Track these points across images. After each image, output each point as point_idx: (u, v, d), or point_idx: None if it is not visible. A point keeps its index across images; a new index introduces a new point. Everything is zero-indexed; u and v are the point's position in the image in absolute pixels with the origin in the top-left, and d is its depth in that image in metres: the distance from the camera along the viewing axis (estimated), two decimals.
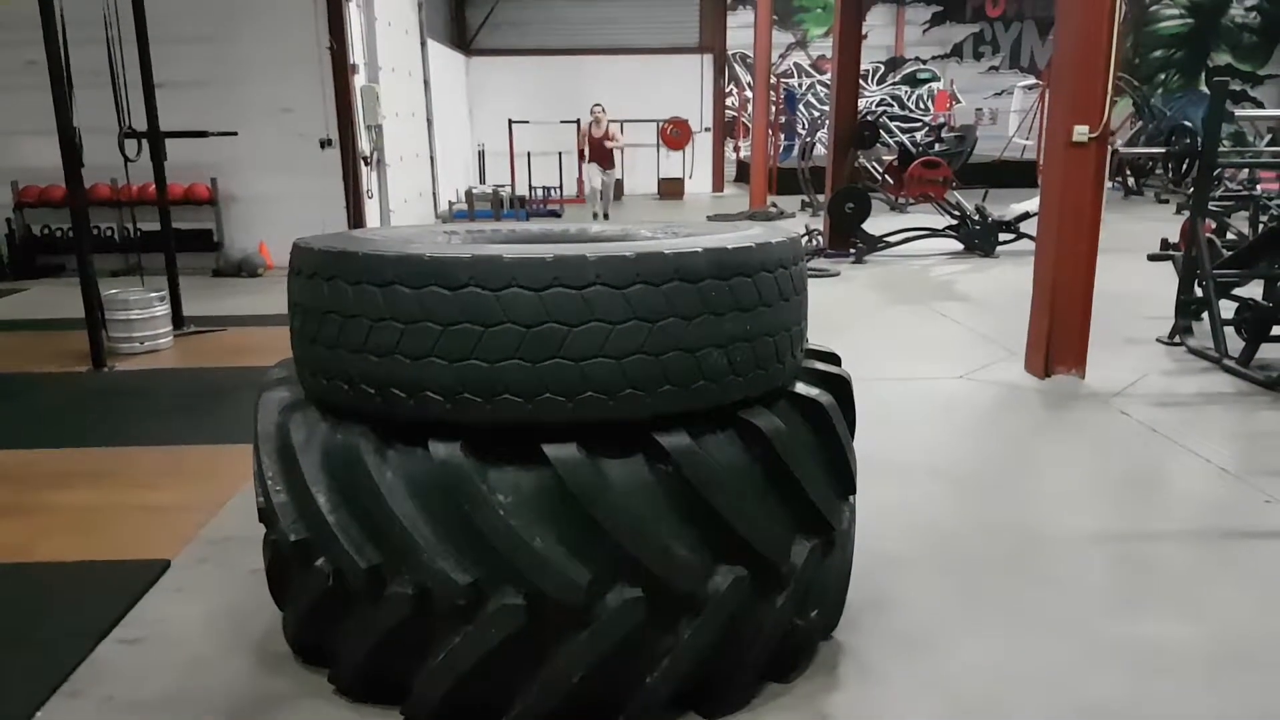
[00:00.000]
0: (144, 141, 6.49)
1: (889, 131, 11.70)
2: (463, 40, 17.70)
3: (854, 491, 2.43)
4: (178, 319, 6.61)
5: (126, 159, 6.13)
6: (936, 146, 12.07)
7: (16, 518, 3.44)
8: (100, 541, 3.23)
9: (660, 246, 2.04)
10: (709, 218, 14.26)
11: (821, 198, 14.23)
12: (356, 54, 9.72)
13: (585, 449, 1.96)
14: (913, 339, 6.32)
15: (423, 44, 13.34)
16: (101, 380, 5.40)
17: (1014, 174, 17.41)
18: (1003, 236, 10.15)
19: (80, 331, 5.65)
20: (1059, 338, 5.12)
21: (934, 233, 10.15)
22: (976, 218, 10.18)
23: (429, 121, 13.62)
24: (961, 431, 4.42)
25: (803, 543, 2.19)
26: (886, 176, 11.24)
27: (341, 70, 9.33)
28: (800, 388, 2.28)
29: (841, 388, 2.42)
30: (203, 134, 6.85)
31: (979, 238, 10.11)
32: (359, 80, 9.76)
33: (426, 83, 13.47)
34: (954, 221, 10.34)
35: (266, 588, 2.45)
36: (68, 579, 2.96)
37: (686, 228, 2.83)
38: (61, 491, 3.68)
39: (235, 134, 7.28)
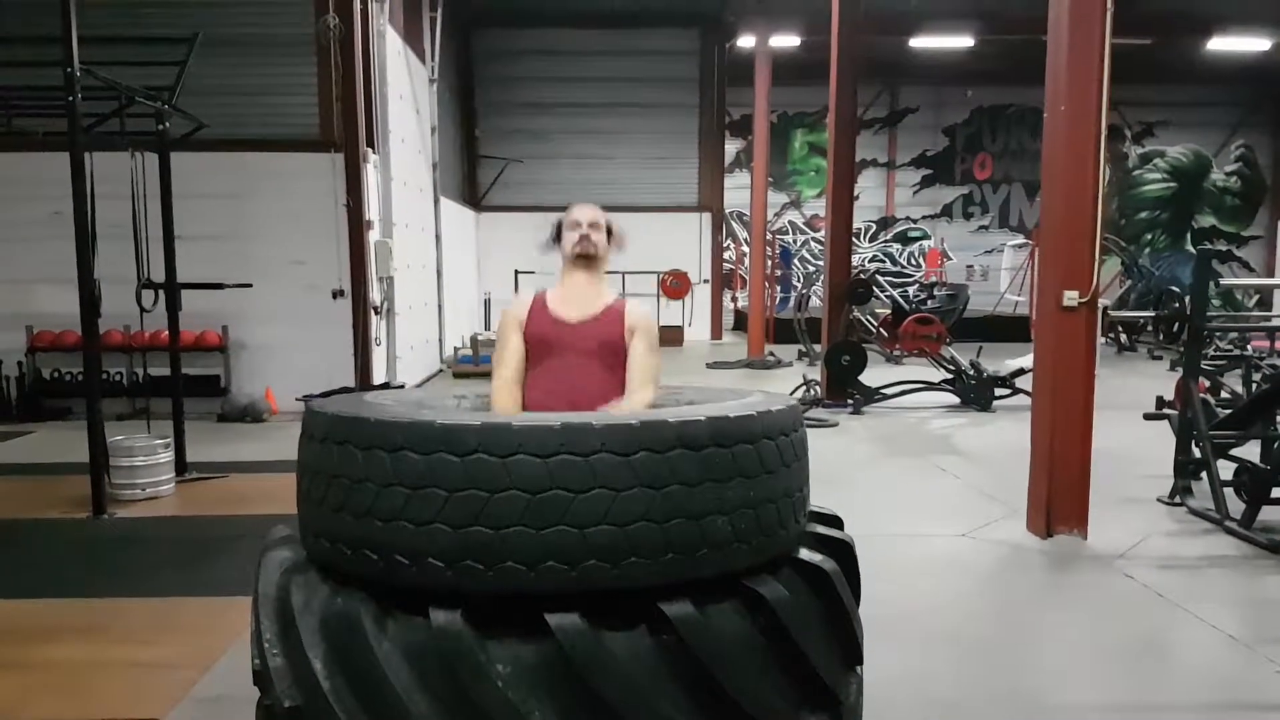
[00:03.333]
0: (161, 292, 6.69)
1: (881, 287, 12.04)
2: (474, 197, 18.51)
3: (860, 662, 2.40)
4: (181, 465, 6.63)
5: (143, 309, 6.30)
6: (929, 303, 12.38)
7: (4, 675, 3.36)
8: (88, 702, 3.15)
9: (664, 415, 2.10)
10: (708, 365, 14.49)
11: (818, 348, 14.51)
12: (372, 211, 10.14)
13: (587, 618, 1.95)
14: (913, 494, 6.31)
15: (436, 201, 13.93)
16: (101, 528, 5.37)
17: (1006, 329, 17.76)
18: (999, 391, 10.28)
19: (83, 476, 5.65)
20: (1059, 498, 5.12)
21: (930, 386, 10.29)
22: (972, 373, 10.34)
23: (438, 273, 14.04)
24: (965, 593, 4.36)
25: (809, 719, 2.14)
26: (881, 330, 11.47)
27: (357, 226, 9.71)
28: (804, 554, 2.29)
29: (845, 553, 2.43)
30: (219, 286, 7.09)
31: (975, 392, 10.24)
32: (373, 235, 10.14)
33: (438, 237, 13.97)
34: (949, 375, 10.50)
35: None
36: None
37: (688, 393, 2.91)
38: (52, 646, 3.61)
39: (250, 286, 7.52)
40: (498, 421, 2.00)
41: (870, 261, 23.68)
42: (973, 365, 10.39)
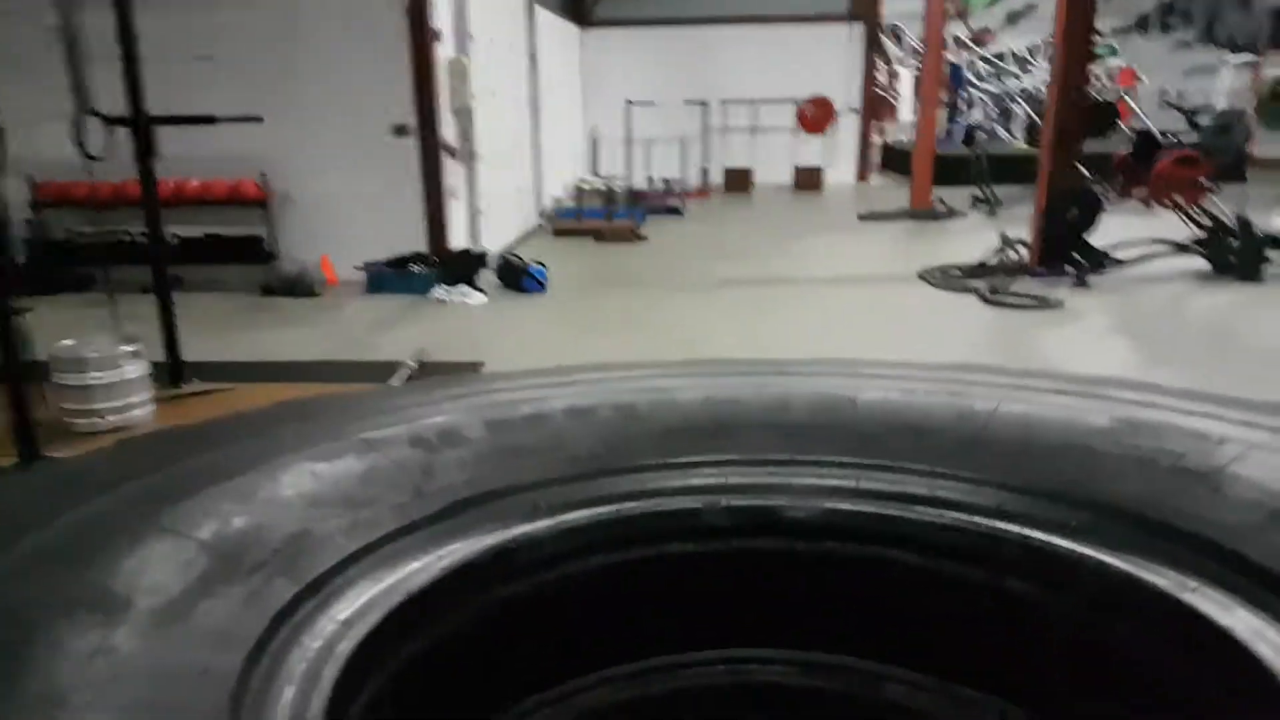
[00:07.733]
0: (151, 129, 4.82)
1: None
2: (578, 10, 15.65)
3: None
4: (176, 371, 4.92)
5: (86, 153, 4.43)
6: (1190, 136, 9.40)
7: None
8: None
9: None
10: (860, 216, 11.99)
11: (1000, 191, 11.78)
12: (441, 17, 7.88)
13: None
14: None
15: (530, 12, 11.45)
16: (13, 487, 3.68)
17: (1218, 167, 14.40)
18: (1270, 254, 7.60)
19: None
20: None
21: (1180, 248, 7.67)
22: (1236, 230, 7.64)
23: (533, 103, 11.73)
24: None
25: None
26: (1118, 172, 8.69)
27: (419, 37, 7.51)
28: None
29: None
30: (209, 119, 5.09)
31: (1238, 256, 7.58)
32: (444, 51, 7.94)
33: (532, 58, 11.56)
34: (1203, 235, 7.82)
35: None
36: None
37: None
38: None
39: (260, 119, 5.52)
40: None
41: (1046, 84, 19.98)
42: (1239, 220, 7.66)
